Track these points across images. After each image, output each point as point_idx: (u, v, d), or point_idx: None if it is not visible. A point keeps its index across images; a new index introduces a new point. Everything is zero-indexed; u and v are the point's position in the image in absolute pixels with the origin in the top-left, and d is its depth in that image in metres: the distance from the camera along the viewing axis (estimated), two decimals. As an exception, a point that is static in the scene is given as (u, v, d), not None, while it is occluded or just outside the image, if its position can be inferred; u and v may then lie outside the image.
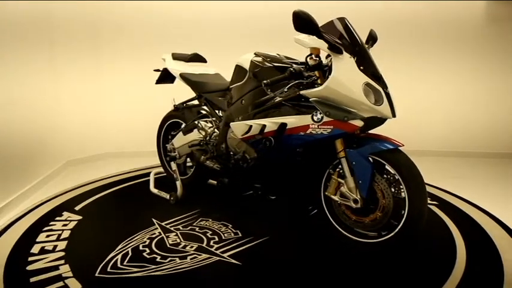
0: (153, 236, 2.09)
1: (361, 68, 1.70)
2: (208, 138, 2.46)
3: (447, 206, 2.52)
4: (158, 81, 2.88)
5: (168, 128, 2.93)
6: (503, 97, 3.90)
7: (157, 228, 2.19)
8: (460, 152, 3.97)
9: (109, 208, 2.61)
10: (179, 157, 2.68)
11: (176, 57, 2.67)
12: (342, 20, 1.79)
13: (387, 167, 1.80)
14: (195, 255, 1.87)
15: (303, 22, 1.59)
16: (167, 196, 2.67)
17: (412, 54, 3.90)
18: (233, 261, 1.83)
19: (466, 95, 3.95)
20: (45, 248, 1.94)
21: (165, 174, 3.11)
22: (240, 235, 2.10)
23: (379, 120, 1.75)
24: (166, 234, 2.11)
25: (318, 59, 1.82)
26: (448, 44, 3.86)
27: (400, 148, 1.74)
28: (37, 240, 2.03)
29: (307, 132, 1.79)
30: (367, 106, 1.67)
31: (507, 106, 3.91)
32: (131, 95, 3.66)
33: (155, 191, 2.82)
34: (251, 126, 2.00)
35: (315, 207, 2.33)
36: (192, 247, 1.96)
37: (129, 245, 1.97)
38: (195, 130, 2.54)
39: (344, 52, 1.70)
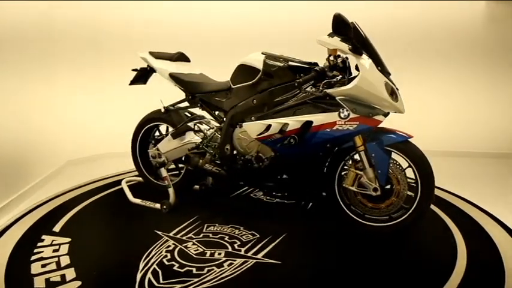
0: (170, 248, 1.94)
1: (379, 68, 1.86)
2: (207, 140, 2.36)
3: (447, 206, 2.50)
4: (133, 82, 2.65)
5: (145, 132, 2.71)
6: (503, 97, 3.88)
7: (168, 240, 2.04)
8: (460, 152, 3.93)
9: (95, 225, 2.30)
10: (167, 162, 2.51)
11: (159, 56, 2.49)
12: (351, 24, 1.93)
13: (393, 155, 2.01)
14: (230, 261, 1.81)
15: (341, 25, 1.69)
16: (154, 205, 2.48)
17: (411, 56, 3.85)
18: (271, 261, 1.83)
19: (466, 95, 3.93)
20: (51, 279, 1.64)
21: (135, 182, 2.91)
22: (258, 236, 2.09)
23: (387, 115, 1.96)
24: (184, 245, 1.98)
25: (335, 59, 1.93)
26: (448, 45, 3.84)
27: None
28: (33, 272, 1.69)
29: (334, 128, 1.89)
30: (388, 103, 1.85)
31: (507, 106, 3.89)
32: (130, 96, 3.36)
33: (137, 201, 2.59)
34: (270, 125, 2.02)
35: (309, 202, 2.48)
36: (220, 254, 1.89)
37: (151, 261, 1.80)
38: (189, 133, 2.41)
39: (363, 54, 1.85)
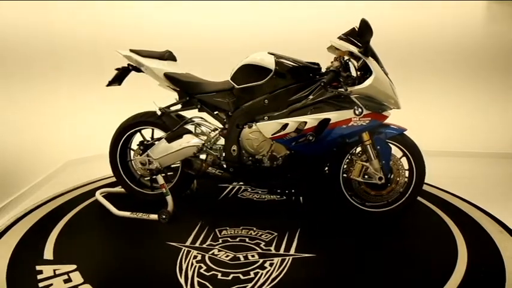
0: (199, 258, 1.84)
1: (382, 68, 2.08)
2: (211, 142, 2.27)
3: (448, 206, 2.50)
4: (110, 83, 2.39)
5: (127, 138, 2.47)
6: (503, 97, 3.90)
7: (190, 250, 1.92)
8: (460, 152, 3.94)
9: (90, 245, 2.01)
10: (161, 169, 2.34)
11: (147, 54, 2.28)
12: (354, 29, 2.10)
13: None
14: (269, 262, 1.81)
15: (365, 29, 1.82)
16: (148, 216, 2.29)
17: (410, 58, 3.89)
18: (305, 255, 1.88)
19: (466, 95, 3.94)
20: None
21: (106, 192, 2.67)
22: (276, 233, 2.12)
23: None
24: (210, 253, 1.89)
25: (343, 60, 2.08)
26: (447, 45, 3.85)
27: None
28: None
29: (349, 124, 2.04)
30: (393, 99, 2.07)
31: (508, 106, 3.90)
32: (130, 96, 3.31)
33: (125, 214, 2.34)
34: (286, 124, 2.06)
35: (300, 197, 2.60)
36: (253, 256, 1.87)
37: (189, 275, 1.69)
38: (187, 136, 2.28)
39: (369, 56, 2.04)
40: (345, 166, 2.28)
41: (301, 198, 2.66)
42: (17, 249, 1.89)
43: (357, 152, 2.28)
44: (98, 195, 2.58)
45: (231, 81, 2.25)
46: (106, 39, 3.60)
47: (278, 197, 2.70)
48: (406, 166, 2.27)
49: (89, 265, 1.76)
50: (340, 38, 2.04)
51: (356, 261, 1.85)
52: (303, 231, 2.13)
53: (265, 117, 2.12)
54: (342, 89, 1.99)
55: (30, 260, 1.78)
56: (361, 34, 1.88)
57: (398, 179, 2.25)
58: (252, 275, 1.69)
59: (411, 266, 1.79)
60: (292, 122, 2.05)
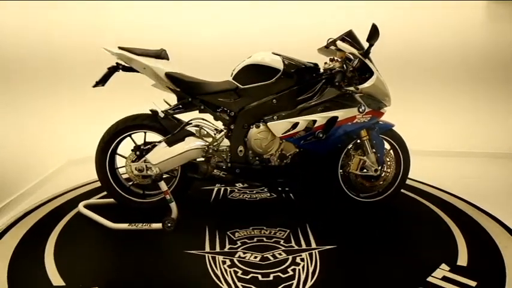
0: (228, 263, 1.79)
1: (376, 69, 2.26)
2: (217, 144, 2.21)
3: (448, 206, 2.51)
4: (97, 84, 2.18)
5: (117, 144, 2.28)
6: (503, 97, 3.93)
7: (215, 257, 1.86)
8: (460, 152, 3.96)
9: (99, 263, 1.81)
10: (162, 174, 2.20)
11: (140, 53, 2.11)
12: (351, 32, 2.25)
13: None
14: (299, 257, 1.85)
15: (375, 34, 1.97)
16: (149, 226, 2.15)
17: (410, 59, 3.93)
18: (328, 247, 1.96)
19: (467, 96, 3.98)
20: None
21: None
22: (289, 230, 2.16)
23: None
24: (237, 256, 1.86)
25: (344, 61, 2.22)
26: (448, 48, 3.89)
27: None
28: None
29: (354, 121, 2.18)
30: (388, 97, 2.27)
31: (507, 107, 3.94)
32: (130, 96, 3.28)
33: (122, 226, 2.15)
34: (297, 123, 2.12)
35: (287, 190, 2.71)
36: (281, 254, 1.89)
37: (229, 281, 1.64)
38: (189, 138, 2.19)
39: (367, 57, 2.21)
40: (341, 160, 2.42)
41: (291, 195, 2.74)
42: (17, 257, 1.78)
43: (350, 147, 2.44)
44: (82, 208, 2.33)
45: (233, 81, 2.22)
46: (106, 40, 3.32)
47: (269, 195, 2.75)
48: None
49: (112, 287, 1.59)
50: (341, 39, 2.16)
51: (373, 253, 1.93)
52: (312, 226, 2.20)
53: (275, 116, 2.15)
54: (352, 88, 2.11)
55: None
56: (370, 37, 2.02)
57: (389, 169, 2.46)
58: (290, 272, 1.71)
59: (410, 265, 1.77)
60: (302, 120, 2.12)
